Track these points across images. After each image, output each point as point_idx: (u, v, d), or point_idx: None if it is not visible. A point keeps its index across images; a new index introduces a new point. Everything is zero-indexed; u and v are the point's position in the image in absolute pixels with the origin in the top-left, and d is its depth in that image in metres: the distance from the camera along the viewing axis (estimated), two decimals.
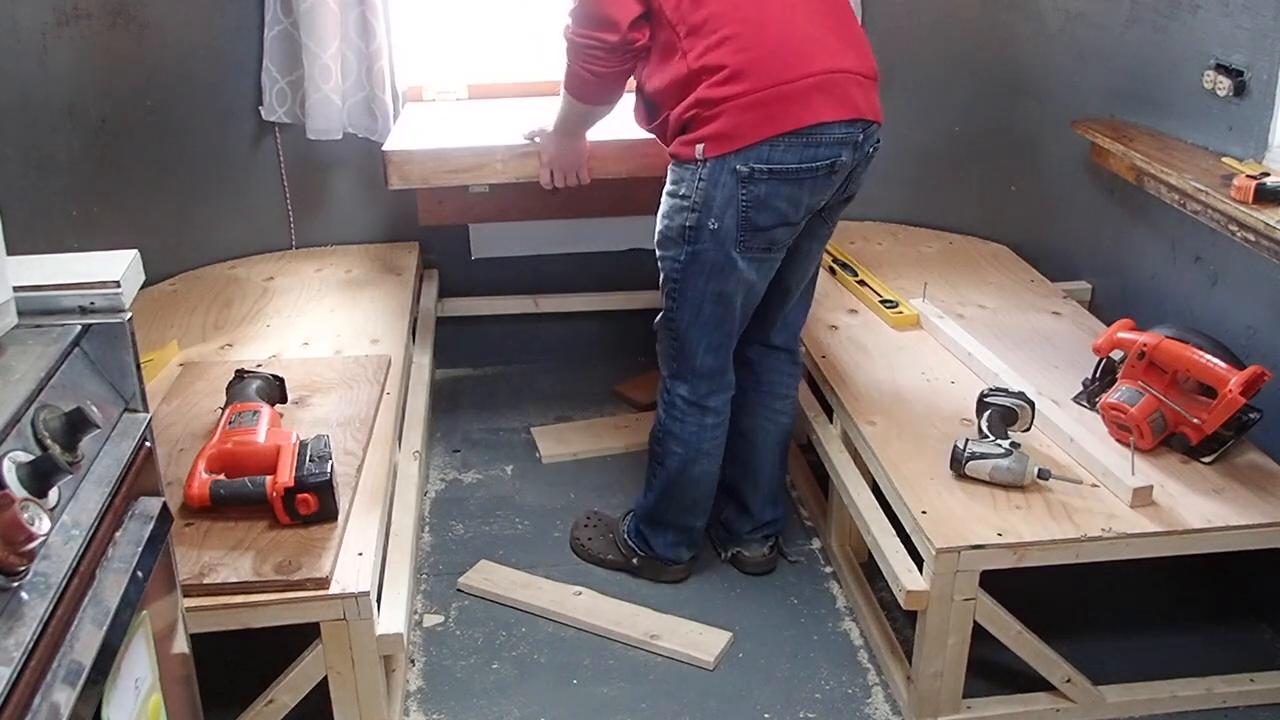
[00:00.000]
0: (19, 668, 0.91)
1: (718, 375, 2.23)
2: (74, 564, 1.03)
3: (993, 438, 2.05)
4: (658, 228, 2.12)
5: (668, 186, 2.08)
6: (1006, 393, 2.14)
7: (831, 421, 2.43)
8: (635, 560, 2.41)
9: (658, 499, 2.35)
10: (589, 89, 2.16)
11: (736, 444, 2.37)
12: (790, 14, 1.99)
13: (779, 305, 2.27)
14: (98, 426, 1.10)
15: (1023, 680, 2.04)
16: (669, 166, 2.09)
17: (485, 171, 2.45)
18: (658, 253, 2.14)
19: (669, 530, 2.37)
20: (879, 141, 2.10)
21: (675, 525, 2.37)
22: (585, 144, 2.40)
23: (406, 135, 2.57)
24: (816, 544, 2.55)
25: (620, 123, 2.31)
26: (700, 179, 2.00)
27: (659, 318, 2.22)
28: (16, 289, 1.18)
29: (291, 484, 1.81)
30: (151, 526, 1.19)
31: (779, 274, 2.17)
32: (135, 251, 1.29)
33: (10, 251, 1.16)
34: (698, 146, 1.99)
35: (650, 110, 2.14)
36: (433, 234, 3.13)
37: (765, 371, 2.35)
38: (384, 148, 2.48)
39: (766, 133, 1.95)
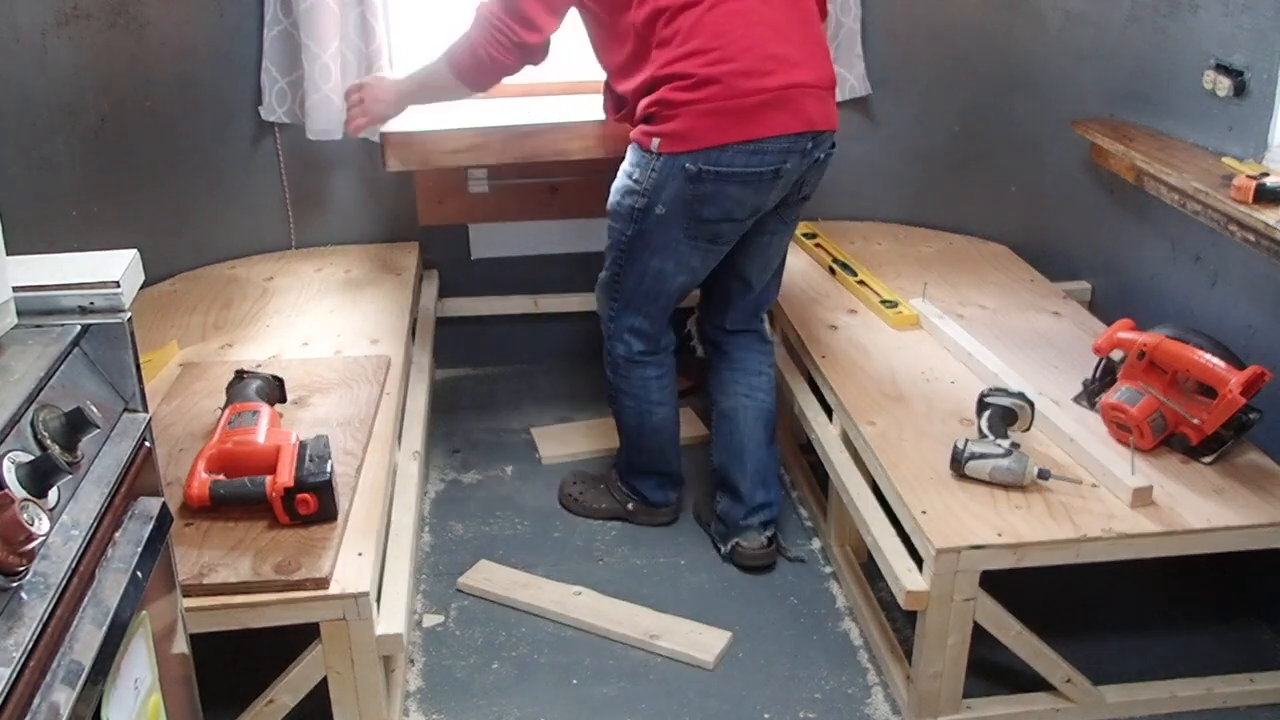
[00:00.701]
0: (19, 668, 0.91)
1: (654, 337, 2.40)
2: (74, 564, 1.03)
3: (993, 438, 2.05)
4: (610, 199, 2.26)
5: (624, 165, 2.22)
6: (1006, 393, 2.14)
7: (831, 421, 2.43)
8: (630, 505, 2.57)
9: (629, 452, 2.53)
10: (477, 71, 2.25)
11: (720, 426, 2.46)
12: (755, 30, 2.11)
13: (741, 294, 2.42)
14: (97, 426, 1.10)
15: (1023, 680, 2.04)
16: (629, 146, 2.21)
17: (484, 152, 2.42)
18: (609, 221, 2.27)
19: (649, 475, 2.54)
20: (833, 146, 2.24)
21: (653, 470, 2.53)
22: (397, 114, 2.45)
23: (404, 120, 2.55)
24: (816, 544, 2.55)
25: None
26: (653, 169, 2.14)
27: (601, 278, 2.36)
28: (16, 289, 1.18)
29: (291, 484, 1.81)
30: (151, 526, 1.19)
31: (736, 265, 2.34)
32: (135, 251, 1.29)
33: (10, 251, 1.16)
34: (654, 140, 2.13)
35: (618, 103, 2.29)
36: (433, 234, 3.13)
37: (735, 350, 2.48)
38: (381, 129, 2.46)
39: (717, 140, 2.08)
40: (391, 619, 1.82)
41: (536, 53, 2.25)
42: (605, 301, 2.39)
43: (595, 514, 2.60)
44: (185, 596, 1.47)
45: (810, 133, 2.14)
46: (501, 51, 2.21)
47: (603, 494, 2.61)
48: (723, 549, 2.46)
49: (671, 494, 2.57)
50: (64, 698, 0.95)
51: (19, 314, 1.19)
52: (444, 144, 2.43)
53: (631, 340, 2.38)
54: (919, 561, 1.94)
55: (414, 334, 2.78)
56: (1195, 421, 2.06)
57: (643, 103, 2.15)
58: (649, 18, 2.11)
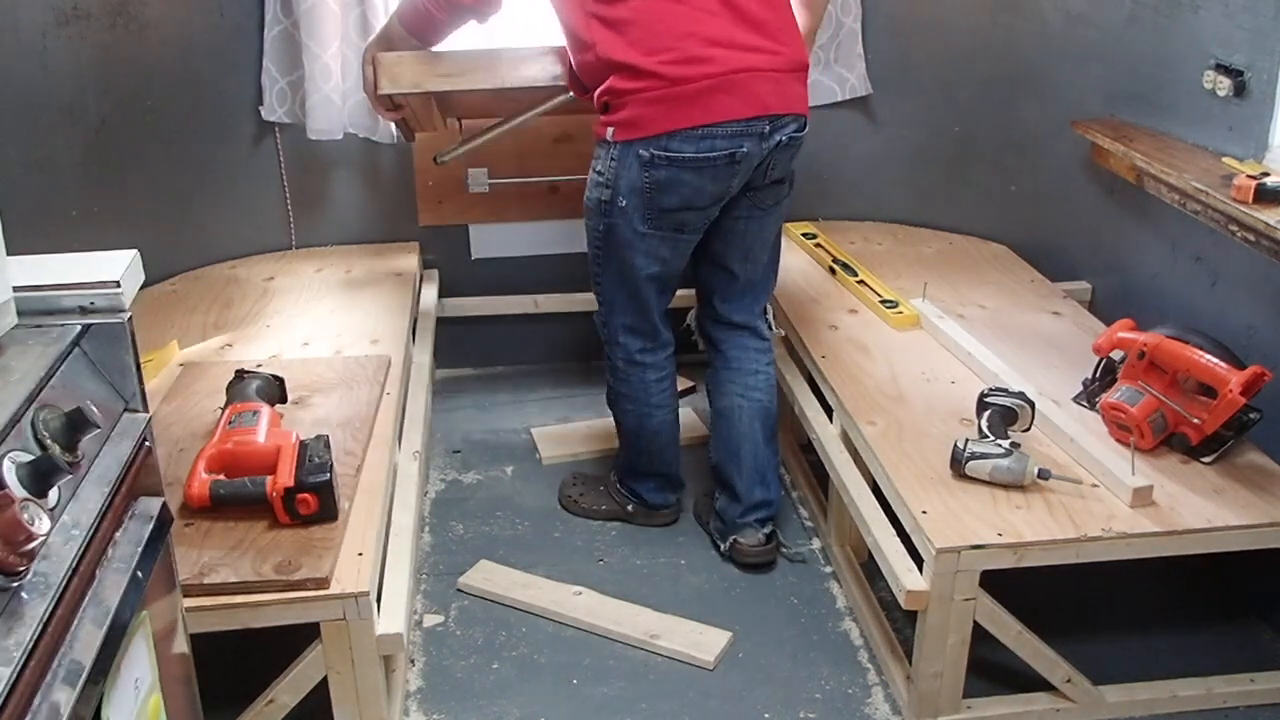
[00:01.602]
0: (19, 668, 0.91)
1: (648, 335, 2.39)
2: (74, 564, 1.03)
3: (993, 438, 2.05)
4: (585, 197, 2.27)
5: (592, 160, 2.24)
6: (1006, 393, 2.14)
7: (831, 421, 2.43)
8: (630, 507, 2.57)
9: (629, 455, 2.53)
10: (418, 21, 2.28)
11: (717, 425, 2.46)
12: (698, 16, 2.10)
13: (726, 284, 2.40)
14: (98, 426, 1.10)
15: (1023, 680, 2.04)
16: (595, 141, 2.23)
17: (476, 76, 2.33)
18: (585, 220, 2.30)
19: (649, 478, 2.54)
20: (798, 131, 2.20)
21: (653, 473, 2.53)
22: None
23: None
24: (816, 544, 2.55)
25: None
26: (612, 158, 2.16)
27: (592, 279, 2.37)
28: (16, 289, 1.18)
29: (291, 484, 1.81)
30: (151, 526, 1.19)
31: (715, 253, 2.35)
32: (135, 251, 1.29)
33: (10, 251, 1.16)
34: (609, 129, 2.15)
35: (579, 85, 2.28)
36: (433, 234, 3.13)
37: (730, 349, 2.45)
38: (374, 52, 2.36)
39: (664, 127, 2.09)
40: (391, 619, 1.82)
41: (471, 6, 2.23)
42: (597, 303, 2.40)
43: (595, 515, 2.61)
44: (185, 596, 1.47)
45: (765, 117, 2.12)
46: (442, 10, 2.23)
47: (602, 495, 2.61)
48: (722, 546, 2.46)
49: (671, 496, 2.57)
50: (64, 697, 0.95)
51: (19, 314, 1.19)
52: (439, 67, 2.34)
53: (628, 340, 2.38)
54: (919, 561, 1.94)
55: (414, 334, 2.78)
56: (1195, 421, 2.06)
57: (597, 92, 2.16)
58: None
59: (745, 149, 2.12)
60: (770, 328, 2.52)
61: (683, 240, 2.26)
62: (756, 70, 2.11)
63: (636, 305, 2.34)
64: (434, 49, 2.36)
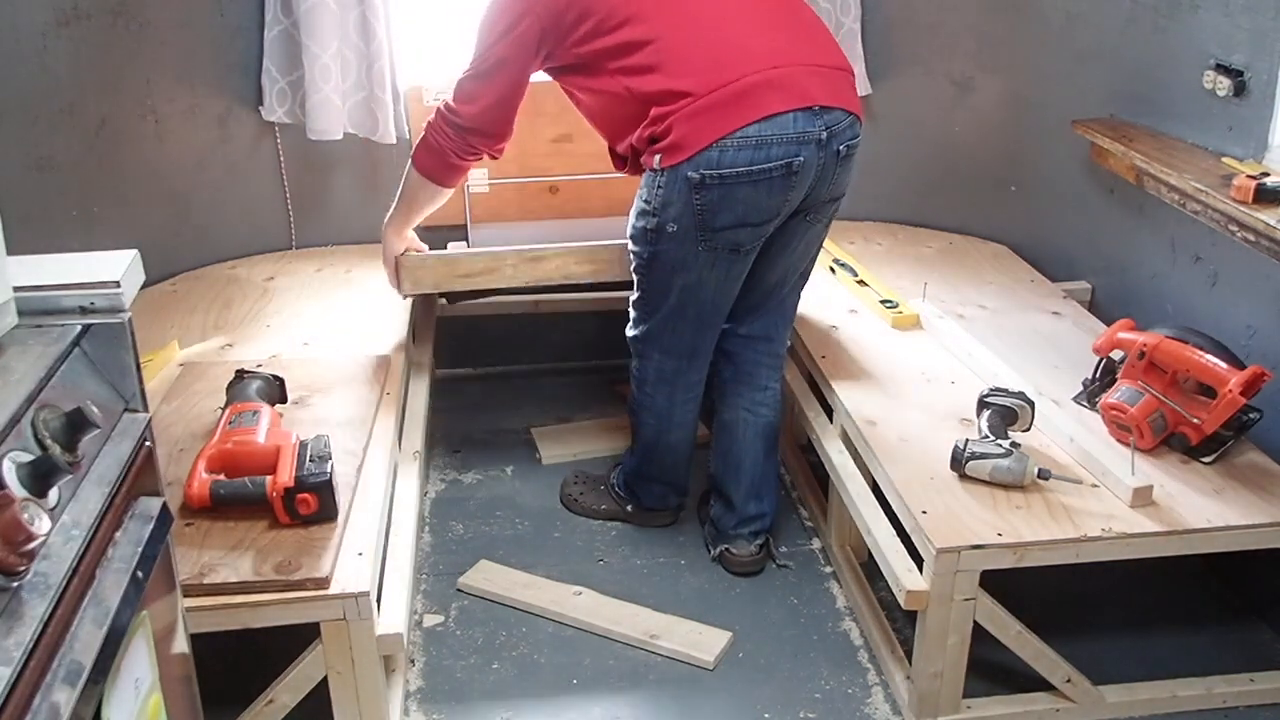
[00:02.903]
0: (19, 668, 0.91)
1: (688, 356, 2.32)
2: (74, 564, 1.03)
3: (993, 438, 2.05)
4: (629, 223, 2.20)
5: (638, 190, 2.16)
6: (1006, 393, 2.14)
7: (831, 421, 2.43)
8: (629, 508, 2.57)
9: (640, 462, 2.51)
10: (430, 160, 2.27)
11: (719, 436, 2.44)
12: (721, 30, 2.04)
13: (759, 299, 2.32)
14: (98, 426, 1.10)
15: (1023, 680, 2.04)
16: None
17: (495, 276, 2.50)
18: (629, 245, 2.22)
19: (655, 484, 2.53)
20: (855, 138, 2.10)
21: (660, 480, 2.52)
22: (403, 241, 2.47)
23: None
24: (816, 544, 2.55)
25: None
26: (659, 186, 2.07)
27: (632, 297, 2.31)
28: (16, 289, 1.18)
29: (291, 484, 1.81)
30: (151, 526, 1.19)
31: (757, 270, 2.23)
32: (135, 251, 1.29)
33: (10, 251, 1.16)
34: (655, 157, 2.06)
35: (623, 162, 2.25)
36: (432, 234, 3.13)
37: (744, 362, 2.39)
38: (397, 254, 2.49)
39: (712, 136, 1.98)
40: (392, 619, 1.82)
41: (478, 134, 2.21)
42: (635, 321, 2.32)
43: (595, 514, 2.60)
44: (185, 596, 1.46)
45: (818, 112, 2.01)
46: (444, 136, 2.21)
47: (603, 495, 2.61)
48: (711, 551, 2.46)
49: (673, 500, 2.56)
50: (64, 698, 0.95)
51: (19, 314, 1.19)
52: (456, 269, 2.49)
53: (663, 360, 2.31)
54: (919, 561, 1.94)
55: (414, 334, 2.78)
56: (1195, 421, 2.06)
57: (639, 131, 2.09)
58: (614, 51, 2.06)
59: (802, 158, 2.01)
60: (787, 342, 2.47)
61: (737, 261, 2.14)
62: (799, 64, 2.03)
63: (681, 326, 2.25)
64: (453, 249, 2.50)
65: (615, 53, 2.06)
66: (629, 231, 2.20)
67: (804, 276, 2.36)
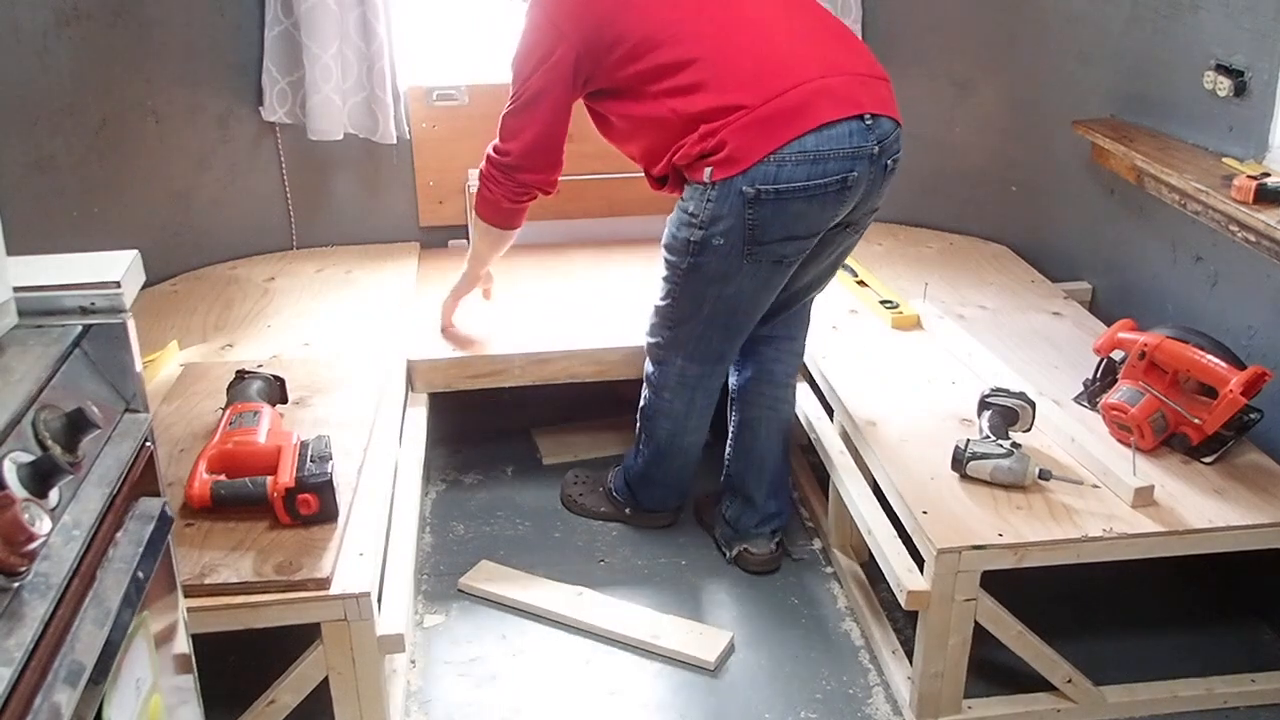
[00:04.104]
0: (20, 668, 0.90)
1: (714, 362, 2.29)
2: (75, 564, 1.03)
3: (993, 438, 2.05)
4: (666, 231, 2.16)
5: (679, 200, 2.11)
6: (1007, 393, 2.14)
7: (831, 421, 2.43)
8: (628, 510, 2.56)
9: (646, 465, 2.47)
10: (487, 204, 2.31)
11: (740, 435, 2.41)
12: (766, 43, 2.02)
13: (785, 302, 2.28)
14: (98, 427, 1.10)
15: (1023, 680, 2.04)
16: (685, 186, 2.10)
17: (504, 376, 2.59)
18: (663, 253, 2.18)
19: (657, 486, 2.51)
20: (899, 151, 2.07)
21: (664, 483, 2.50)
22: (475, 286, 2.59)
23: (430, 349, 2.59)
24: (817, 544, 2.55)
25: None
26: (709, 199, 2.01)
27: (657, 303, 2.26)
28: (17, 289, 1.18)
29: (292, 484, 1.81)
30: (152, 527, 1.19)
31: (791, 278, 2.18)
32: (135, 251, 1.29)
33: (10, 251, 1.16)
34: (706, 170, 2.00)
35: (661, 182, 2.20)
36: (432, 234, 3.13)
37: (766, 360, 2.37)
38: (408, 357, 2.53)
39: (768, 148, 1.95)
40: (392, 619, 1.82)
41: (527, 170, 2.20)
42: (658, 327, 2.28)
43: (595, 515, 2.60)
44: (186, 597, 1.46)
45: (867, 121, 1.97)
46: (494, 182, 2.23)
47: (602, 498, 2.61)
48: (728, 554, 2.46)
49: (672, 502, 2.55)
50: (65, 698, 0.95)
51: (20, 314, 1.19)
52: (467, 370, 2.57)
53: (686, 365, 2.28)
54: (920, 562, 1.94)
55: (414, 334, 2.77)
56: (1196, 421, 2.06)
57: (688, 158, 2.03)
58: (654, 73, 2.02)
59: (856, 173, 1.98)
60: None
61: (777, 272, 2.11)
62: (845, 74, 2.00)
63: (708, 335, 2.22)
64: (465, 355, 2.56)
65: (656, 75, 2.02)
66: (665, 240, 2.16)
67: (827, 285, 2.36)
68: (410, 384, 2.53)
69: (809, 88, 1.96)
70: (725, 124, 1.97)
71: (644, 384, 2.40)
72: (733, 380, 2.42)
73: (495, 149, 2.22)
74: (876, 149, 2.00)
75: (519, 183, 2.23)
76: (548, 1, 2.10)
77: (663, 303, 2.24)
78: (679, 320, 2.22)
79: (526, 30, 2.13)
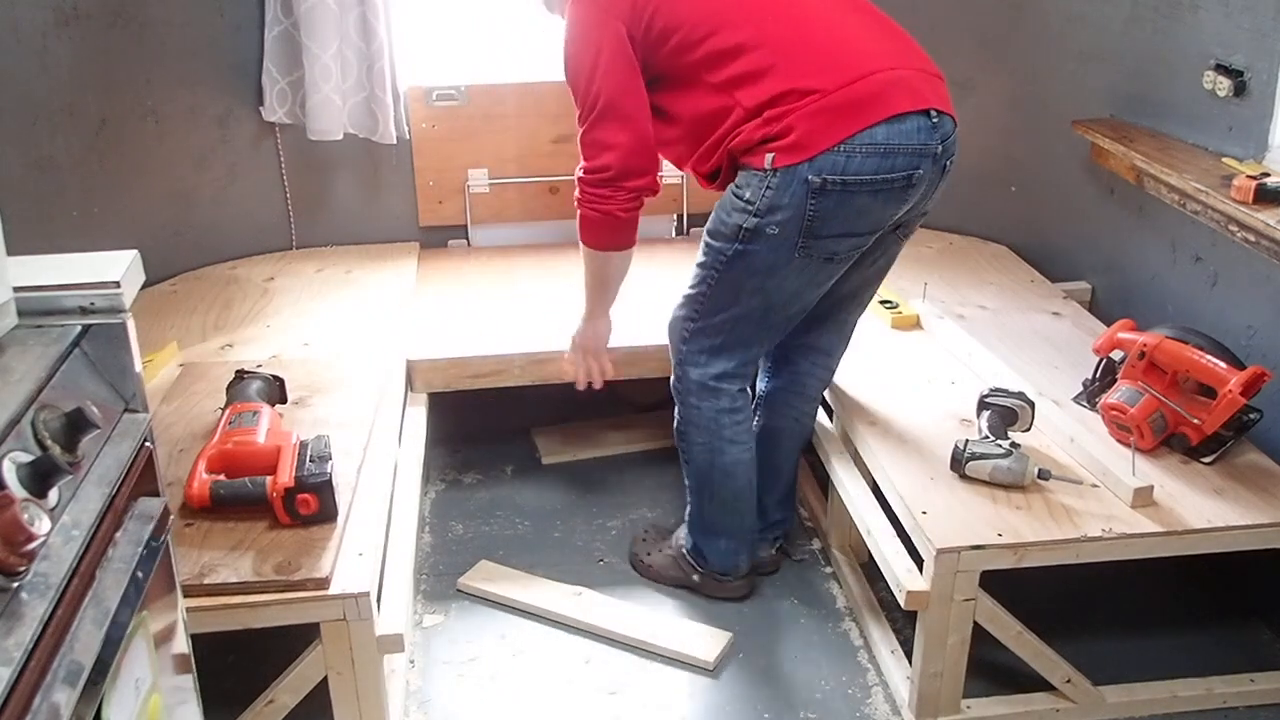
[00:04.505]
0: (19, 668, 0.91)
1: (739, 361, 2.16)
2: (74, 564, 1.03)
3: (993, 438, 2.05)
4: (713, 215, 2.05)
5: (732, 186, 2.00)
6: (1007, 393, 2.14)
7: (831, 421, 2.43)
8: (696, 576, 2.35)
9: (698, 501, 2.30)
10: (588, 226, 2.13)
11: (761, 442, 2.32)
12: (833, 32, 1.96)
13: (826, 309, 2.19)
14: (98, 427, 1.10)
15: (1023, 680, 2.04)
16: (739, 172, 2.00)
17: (504, 376, 2.57)
18: (705, 239, 2.06)
19: (720, 537, 2.31)
20: (955, 154, 2.00)
21: (725, 531, 2.30)
22: (609, 324, 2.37)
23: (430, 348, 2.57)
24: (816, 544, 2.55)
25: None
26: (768, 187, 1.92)
27: (688, 291, 2.14)
28: (16, 289, 1.18)
29: (291, 484, 1.81)
30: (151, 527, 1.19)
31: (835, 284, 2.10)
32: (135, 251, 1.29)
33: (10, 251, 1.16)
34: (767, 156, 1.91)
35: (711, 177, 2.09)
36: (432, 234, 3.13)
37: (800, 373, 2.30)
38: (407, 357, 2.51)
39: (838, 136, 1.87)
40: (392, 619, 1.82)
41: (632, 174, 2.05)
42: (681, 322, 2.16)
43: (663, 581, 2.40)
44: (186, 597, 1.46)
45: (933, 119, 1.91)
46: (599, 200, 2.07)
47: (671, 562, 2.40)
48: None
49: (744, 560, 2.33)
50: (65, 698, 0.95)
51: (19, 314, 1.19)
52: (467, 370, 2.56)
53: (710, 362, 2.15)
54: (919, 561, 1.94)
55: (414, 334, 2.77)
56: (1195, 421, 2.06)
57: (744, 144, 1.94)
58: (710, 61, 1.94)
59: (922, 171, 1.91)
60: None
61: (826, 270, 2.01)
62: (911, 68, 1.95)
63: (744, 330, 2.11)
64: (465, 355, 2.53)
65: (712, 62, 1.95)
66: (710, 225, 2.05)
67: (869, 299, 2.27)
68: (410, 384, 2.53)
69: (881, 77, 1.90)
70: (794, 108, 1.88)
71: (676, 404, 2.26)
72: (761, 385, 2.34)
73: (588, 170, 2.07)
74: (940, 148, 1.94)
75: (629, 190, 2.07)
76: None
77: (695, 290, 2.11)
78: (711, 310, 2.10)
79: (572, 34, 2.04)
